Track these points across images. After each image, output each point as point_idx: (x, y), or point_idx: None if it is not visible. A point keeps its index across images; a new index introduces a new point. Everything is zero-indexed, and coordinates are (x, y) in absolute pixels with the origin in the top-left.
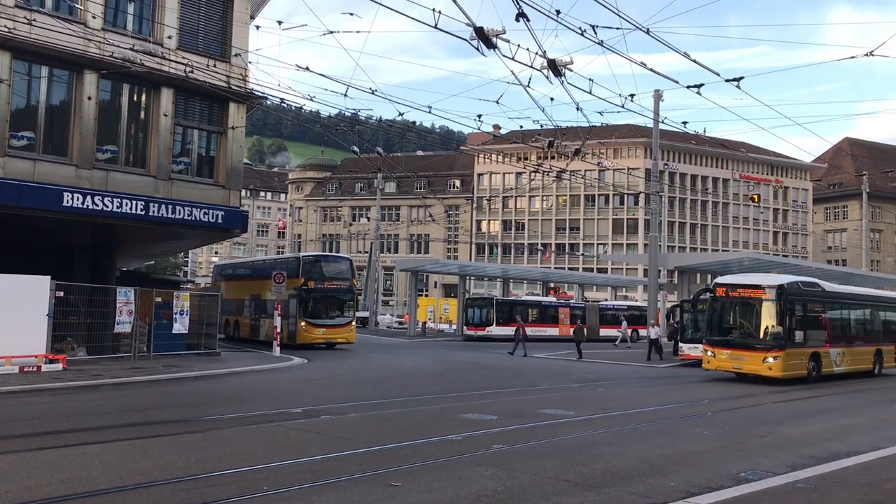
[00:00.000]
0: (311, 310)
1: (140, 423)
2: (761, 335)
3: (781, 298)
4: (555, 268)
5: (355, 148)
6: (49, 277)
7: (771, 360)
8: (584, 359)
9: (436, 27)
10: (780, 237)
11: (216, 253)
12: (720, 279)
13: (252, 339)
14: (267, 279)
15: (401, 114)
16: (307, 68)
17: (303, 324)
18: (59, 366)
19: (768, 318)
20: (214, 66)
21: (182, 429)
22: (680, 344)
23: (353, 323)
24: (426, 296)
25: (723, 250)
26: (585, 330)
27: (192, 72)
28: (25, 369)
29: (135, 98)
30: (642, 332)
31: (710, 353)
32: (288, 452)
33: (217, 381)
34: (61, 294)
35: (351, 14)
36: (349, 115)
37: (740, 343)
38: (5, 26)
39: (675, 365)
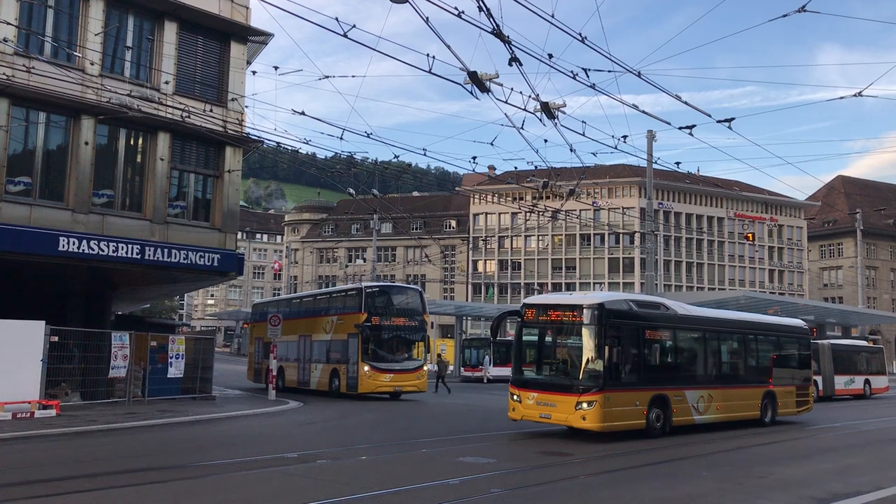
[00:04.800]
0: (375, 352)
1: (135, 469)
2: (576, 372)
3: (601, 322)
4: None
5: (351, 190)
6: (43, 322)
7: (585, 405)
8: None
9: (430, 72)
10: (776, 275)
11: (212, 296)
12: (530, 299)
13: (301, 388)
14: (319, 317)
15: (396, 156)
16: (303, 113)
17: (366, 368)
18: (53, 411)
19: (585, 350)
20: (211, 110)
21: (177, 475)
22: None
23: (426, 367)
24: None
25: (719, 289)
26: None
27: (188, 116)
28: (18, 415)
29: (131, 142)
30: None
31: (515, 398)
32: (284, 498)
33: (212, 426)
34: (56, 339)
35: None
36: (345, 157)
37: (550, 383)
38: (4, 74)
39: None
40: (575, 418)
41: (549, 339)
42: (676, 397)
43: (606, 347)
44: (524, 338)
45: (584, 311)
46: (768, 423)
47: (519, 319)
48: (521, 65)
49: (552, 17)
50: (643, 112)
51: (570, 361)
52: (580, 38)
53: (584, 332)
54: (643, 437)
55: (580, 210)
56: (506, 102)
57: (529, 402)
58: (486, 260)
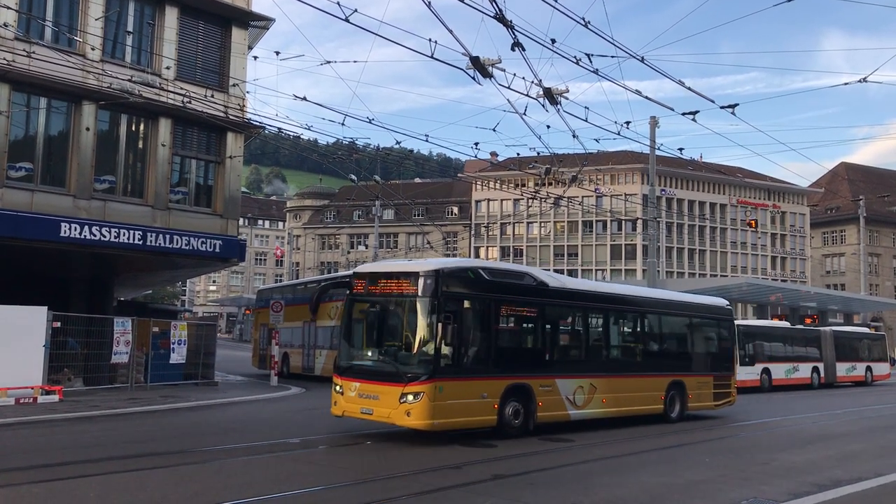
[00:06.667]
0: None
1: (137, 454)
2: (405, 357)
3: (436, 293)
4: None
5: (353, 176)
6: (46, 308)
7: (410, 398)
8: None
9: (432, 57)
10: (778, 262)
11: (214, 282)
12: (362, 267)
13: (306, 374)
14: (325, 302)
15: (398, 142)
16: (304, 98)
17: None
18: (56, 397)
19: (417, 328)
20: (212, 96)
21: (179, 460)
22: None
23: None
24: None
25: (721, 276)
26: None
27: (189, 102)
28: (21, 401)
29: (133, 128)
30: None
31: (338, 389)
32: (287, 483)
33: (214, 412)
34: (58, 324)
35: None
36: (347, 143)
37: (373, 371)
38: (4, 59)
39: None
40: (398, 414)
41: (379, 315)
42: (544, 387)
43: (440, 325)
44: (353, 315)
45: (419, 279)
46: (675, 419)
47: (348, 292)
48: (523, 50)
49: (556, 1)
50: (646, 98)
51: (400, 343)
52: (583, 23)
53: (418, 306)
54: (496, 436)
55: (582, 196)
56: (508, 88)
57: (351, 394)
58: (488, 247)
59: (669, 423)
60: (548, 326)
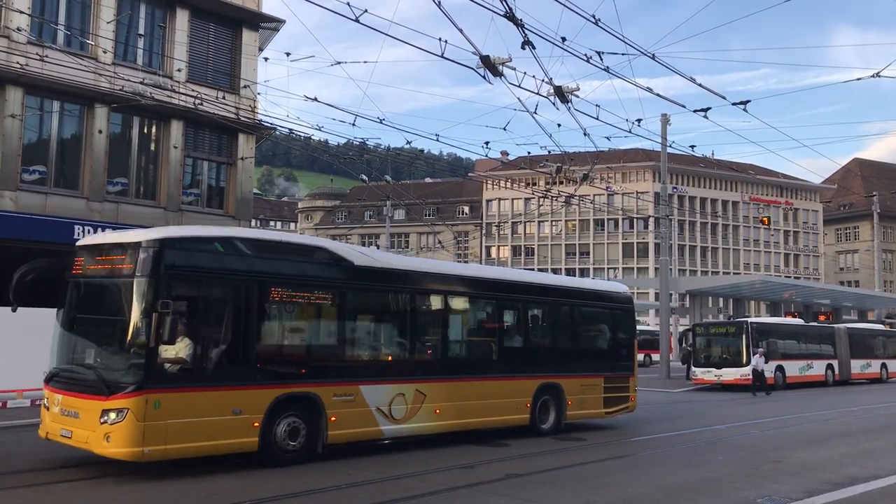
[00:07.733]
0: None
1: None
2: (113, 360)
3: (157, 272)
4: None
5: (364, 176)
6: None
7: (113, 416)
8: None
9: (442, 56)
10: (791, 259)
11: None
12: (87, 237)
13: None
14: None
15: (409, 142)
16: (315, 99)
17: None
18: None
19: (129, 320)
20: (224, 97)
21: (193, 460)
22: (693, 368)
23: None
24: None
25: (734, 273)
26: None
27: (201, 104)
28: (37, 402)
29: (145, 130)
30: (654, 356)
31: (45, 402)
32: (298, 483)
33: None
34: None
35: None
36: (357, 143)
37: (75, 380)
38: (18, 63)
39: (688, 389)
40: (97, 438)
41: (94, 303)
42: (341, 397)
43: (160, 316)
44: (69, 302)
45: (137, 253)
46: (548, 431)
47: (67, 272)
48: (534, 48)
49: None
50: (657, 95)
51: (111, 342)
52: (594, 21)
53: (133, 289)
54: (261, 463)
55: (594, 195)
56: (519, 87)
57: (55, 411)
58: (499, 246)
59: (540, 436)
60: (350, 318)
